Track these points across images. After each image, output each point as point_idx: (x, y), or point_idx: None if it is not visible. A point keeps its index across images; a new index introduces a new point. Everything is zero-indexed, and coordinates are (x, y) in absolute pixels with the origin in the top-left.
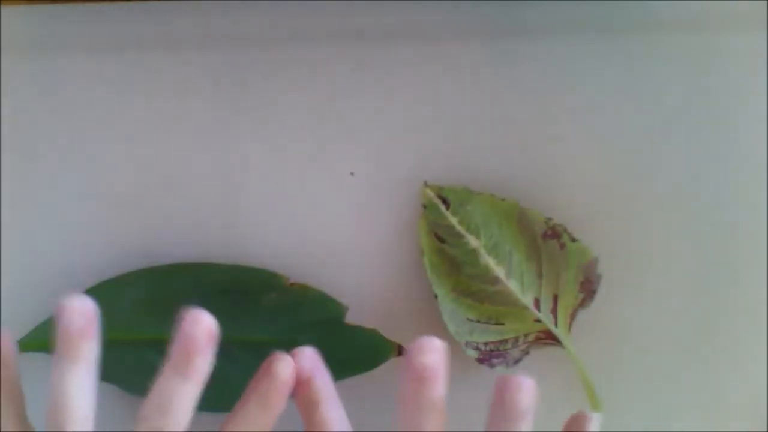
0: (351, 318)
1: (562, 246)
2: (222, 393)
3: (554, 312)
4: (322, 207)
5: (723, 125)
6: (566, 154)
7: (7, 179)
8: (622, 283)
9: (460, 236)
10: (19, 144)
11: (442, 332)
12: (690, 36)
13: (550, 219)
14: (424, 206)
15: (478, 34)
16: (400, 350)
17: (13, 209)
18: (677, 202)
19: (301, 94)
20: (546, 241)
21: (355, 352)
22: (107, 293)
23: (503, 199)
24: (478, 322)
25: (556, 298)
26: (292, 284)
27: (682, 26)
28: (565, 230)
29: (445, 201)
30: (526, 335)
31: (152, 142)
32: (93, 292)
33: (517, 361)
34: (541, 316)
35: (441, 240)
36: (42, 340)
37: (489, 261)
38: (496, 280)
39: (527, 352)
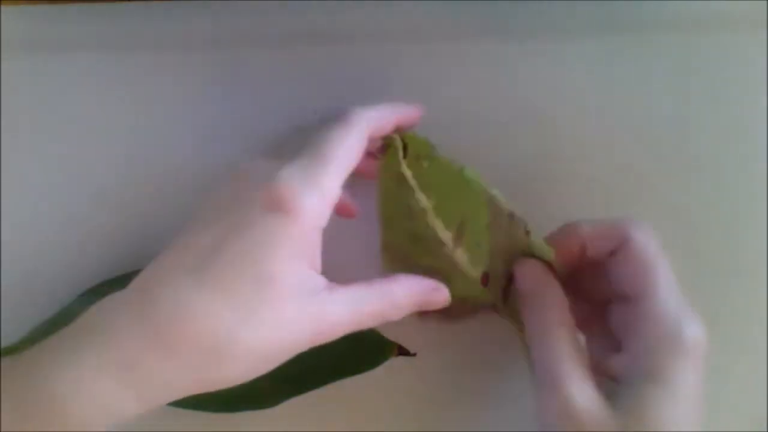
0: None
1: (528, 233)
2: (221, 393)
3: (505, 291)
4: None
5: (723, 125)
6: (566, 155)
7: (7, 179)
8: None
9: (411, 190)
10: (19, 144)
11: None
12: (690, 36)
13: (512, 213)
14: (387, 147)
15: (478, 34)
16: (399, 350)
17: (13, 209)
18: (677, 201)
19: (301, 94)
20: (512, 222)
21: (355, 352)
22: (107, 293)
23: (462, 169)
24: (430, 271)
25: (510, 277)
26: None
27: (683, 26)
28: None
29: (405, 149)
30: (474, 299)
31: (152, 142)
32: (93, 292)
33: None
34: (488, 291)
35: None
36: (42, 340)
37: (436, 224)
38: (442, 244)
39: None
